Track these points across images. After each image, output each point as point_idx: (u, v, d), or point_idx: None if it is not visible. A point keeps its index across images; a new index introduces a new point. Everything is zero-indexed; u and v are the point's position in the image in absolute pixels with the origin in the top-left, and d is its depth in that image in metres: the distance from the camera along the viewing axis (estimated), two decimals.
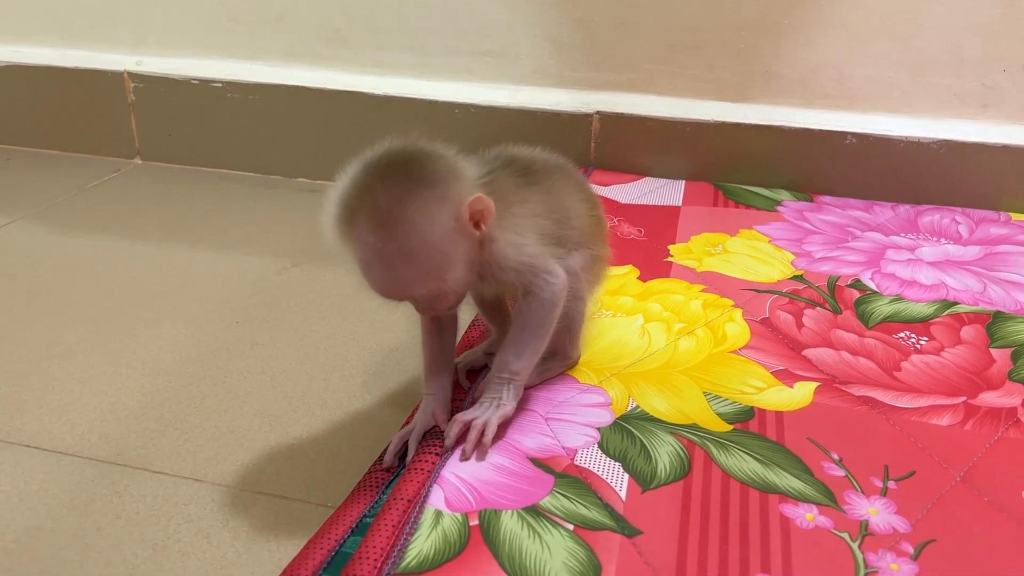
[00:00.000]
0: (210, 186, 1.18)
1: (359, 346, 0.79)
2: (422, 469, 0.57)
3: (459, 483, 0.56)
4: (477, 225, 0.56)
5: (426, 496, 0.54)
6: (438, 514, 0.53)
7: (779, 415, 0.64)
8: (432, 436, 0.60)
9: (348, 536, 0.53)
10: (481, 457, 0.59)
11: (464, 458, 0.58)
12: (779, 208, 1.02)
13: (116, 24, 1.22)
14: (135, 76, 1.20)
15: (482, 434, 0.59)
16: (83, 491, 0.60)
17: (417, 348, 0.65)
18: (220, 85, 1.18)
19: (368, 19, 1.14)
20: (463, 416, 0.60)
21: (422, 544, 0.51)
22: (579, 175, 0.70)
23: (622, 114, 1.09)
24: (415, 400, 0.69)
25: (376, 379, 0.74)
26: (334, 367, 0.76)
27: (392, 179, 0.53)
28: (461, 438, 0.60)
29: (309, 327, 0.82)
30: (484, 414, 0.60)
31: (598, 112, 1.09)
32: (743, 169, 1.09)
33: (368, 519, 0.54)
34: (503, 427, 0.61)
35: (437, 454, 0.58)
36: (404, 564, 0.49)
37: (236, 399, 0.71)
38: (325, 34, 1.16)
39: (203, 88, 1.19)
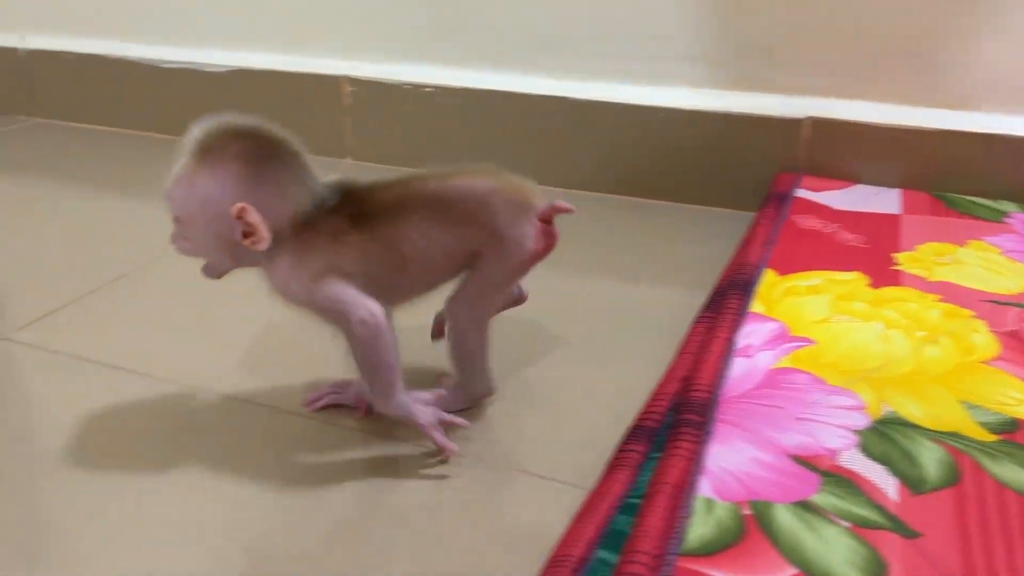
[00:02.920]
0: None
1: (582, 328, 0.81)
2: (681, 455, 0.58)
3: (722, 473, 0.57)
4: (245, 235, 0.59)
5: (694, 483, 0.56)
6: (709, 502, 0.54)
7: None
8: (686, 424, 0.61)
9: (615, 515, 0.55)
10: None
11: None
12: (1006, 219, 0.98)
13: (335, 31, 1.30)
14: (352, 81, 1.28)
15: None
16: (363, 463, 0.65)
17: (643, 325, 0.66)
18: (431, 90, 1.24)
19: (575, 26, 1.17)
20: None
21: (701, 529, 0.52)
22: (459, 190, 0.64)
23: (835, 120, 1.07)
24: (646, 381, 0.70)
25: (609, 357, 0.76)
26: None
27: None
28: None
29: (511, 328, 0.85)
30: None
31: (810, 117, 1.08)
32: (962, 178, 1.05)
33: (633, 500, 0.56)
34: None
35: (693, 440, 0.59)
36: (687, 546, 0.50)
37: None
38: (533, 40, 1.20)
39: (415, 92, 1.25)
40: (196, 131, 0.60)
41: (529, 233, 0.64)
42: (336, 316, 0.61)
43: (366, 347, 0.60)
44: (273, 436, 0.67)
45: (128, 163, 1.33)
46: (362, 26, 1.28)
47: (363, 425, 0.68)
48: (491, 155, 1.24)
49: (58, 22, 1.48)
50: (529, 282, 0.93)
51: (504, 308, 0.75)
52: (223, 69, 1.34)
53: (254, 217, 0.58)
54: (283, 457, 0.65)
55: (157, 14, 1.40)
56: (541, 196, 0.65)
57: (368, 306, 0.60)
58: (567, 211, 0.64)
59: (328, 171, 0.64)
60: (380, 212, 0.62)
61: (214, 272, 0.64)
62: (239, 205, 0.58)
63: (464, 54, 1.24)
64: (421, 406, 0.63)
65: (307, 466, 0.64)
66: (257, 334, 0.81)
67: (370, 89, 1.27)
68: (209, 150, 0.59)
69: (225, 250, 0.61)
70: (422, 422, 0.63)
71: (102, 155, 1.37)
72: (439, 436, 0.63)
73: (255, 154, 0.59)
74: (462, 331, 0.66)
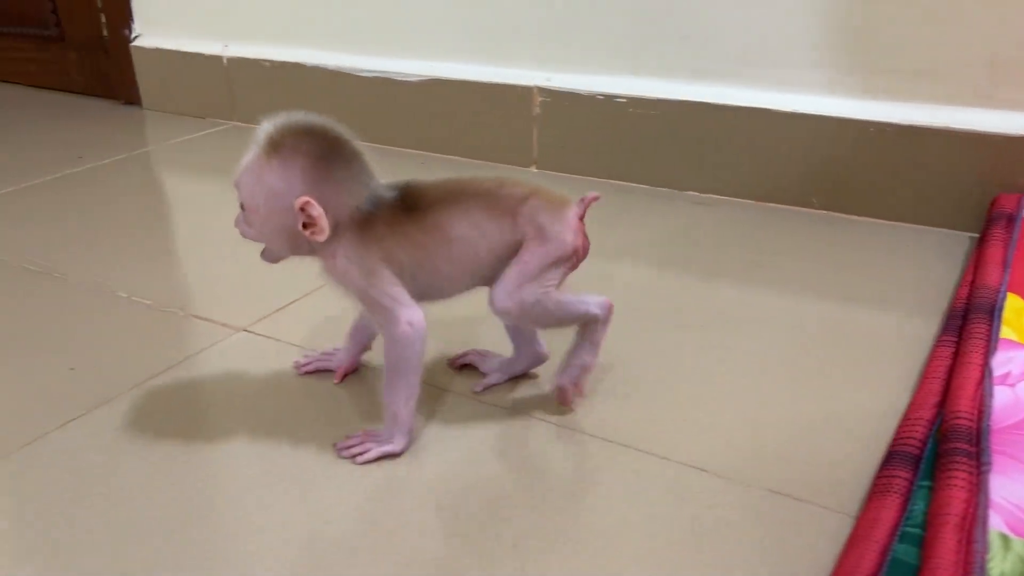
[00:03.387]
0: (603, 195, 1.24)
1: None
2: (958, 486, 0.55)
3: (1012, 508, 0.54)
4: (305, 226, 0.62)
5: (983, 516, 0.53)
6: (1005, 538, 0.51)
7: None
8: (958, 453, 0.58)
9: (895, 543, 0.52)
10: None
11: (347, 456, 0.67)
12: None
13: (529, 42, 1.31)
14: (543, 91, 1.29)
15: (358, 454, 0.66)
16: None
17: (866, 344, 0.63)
18: (624, 101, 1.24)
19: (779, 35, 1.14)
20: (364, 435, 0.68)
21: (1001, 566, 0.49)
22: (507, 190, 0.67)
23: None
24: (883, 401, 0.67)
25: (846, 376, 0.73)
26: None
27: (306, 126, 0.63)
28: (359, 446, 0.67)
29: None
30: (371, 444, 0.67)
31: None
32: None
33: (910, 529, 0.53)
34: None
35: (969, 470, 0.56)
36: None
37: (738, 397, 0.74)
38: (733, 51, 1.18)
39: (607, 103, 1.25)
40: (268, 126, 0.63)
41: (569, 228, 0.67)
42: (384, 313, 0.65)
43: (405, 349, 0.65)
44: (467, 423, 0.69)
45: None
46: (556, 37, 1.29)
47: (593, 430, 0.69)
48: (683, 165, 1.23)
49: (259, 31, 1.56)
50: (746, 297, 0.91)
51: (527, 368, 0.77)
52: (416, 78, 1.38)
53: (316, 210, 0.62)
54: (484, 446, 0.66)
55: (353, 24, 1.45)
56: (573, 204, 0.69)
57: (416, 311, 0.65)
58: (595, 199, 0.69)
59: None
60: (434, 202, 0.66)
61: (272, 257, 0.68)
62: (303, 198, 0.62)
63: (660, 65, 1.23)
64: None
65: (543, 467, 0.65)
66: (451, 320, 0.83)
67: (561, 99, 1.28)
68: (279, 146, 0.62)
69: (286, 239, 0.65)
70: (397, 451, 0.67)
71: None
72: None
73: (321, 152, 0.63)
74: (522, 316, 0.67)
